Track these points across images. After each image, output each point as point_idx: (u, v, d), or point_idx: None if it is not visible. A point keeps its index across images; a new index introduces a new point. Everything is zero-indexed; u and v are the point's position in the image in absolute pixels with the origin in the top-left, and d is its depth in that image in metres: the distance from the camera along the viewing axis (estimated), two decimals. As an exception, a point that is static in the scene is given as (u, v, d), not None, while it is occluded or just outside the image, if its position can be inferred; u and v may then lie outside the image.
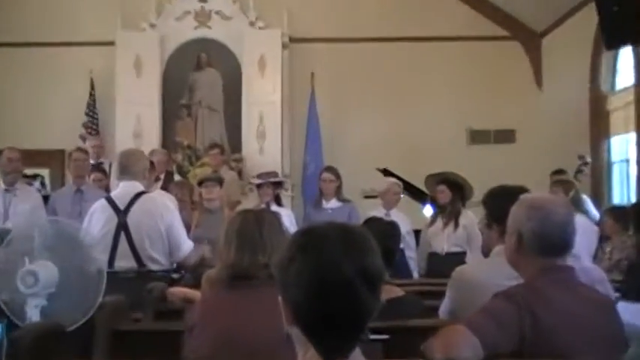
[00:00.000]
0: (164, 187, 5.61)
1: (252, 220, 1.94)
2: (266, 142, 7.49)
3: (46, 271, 2.44)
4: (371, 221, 2.72)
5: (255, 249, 1.88)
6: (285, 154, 7.57)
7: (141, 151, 3.87)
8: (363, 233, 1.21)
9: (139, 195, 3.39)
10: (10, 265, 2.50)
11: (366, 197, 6.87)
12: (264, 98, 7.47)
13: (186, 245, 3.47)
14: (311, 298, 1.14)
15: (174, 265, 3.60)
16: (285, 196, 7.37)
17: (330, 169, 5.47)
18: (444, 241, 4.84)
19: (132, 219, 3.33)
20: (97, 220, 3.38)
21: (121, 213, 3.35)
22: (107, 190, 5.48)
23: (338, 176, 5.32)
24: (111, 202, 3.41)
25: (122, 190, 3.47)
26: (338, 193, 5.29)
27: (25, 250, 2.49)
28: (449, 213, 4.87)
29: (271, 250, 1.87)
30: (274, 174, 5.45)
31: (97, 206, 3.46)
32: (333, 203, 5.28)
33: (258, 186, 5.28)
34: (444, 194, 4.88)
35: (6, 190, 4.70)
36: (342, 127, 7.76)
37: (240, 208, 6.42)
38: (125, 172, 3.46)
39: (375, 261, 1.18)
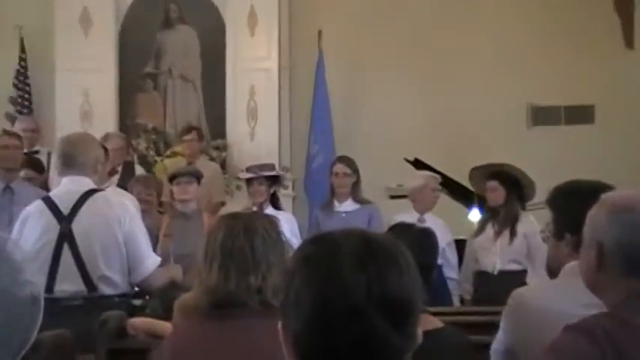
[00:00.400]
0: (122, 184, 5.64)
1: (242, 228, 1.94)
2: (258, 125, 7.51)
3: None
4: (399, 229, 2.71)
5: (245, 268, 1.89)
6: (284, 141, 7.59)
7: (91, 137, 3.86)
8: (390, 245, 1.21)
9: (88, 194, 3.39)
10: None
11: (393, 197, 6.88)
12: (255, 65, 7.48)
13: (151, 261, 3.49)
14: (311, 326, 1.14)
15: (136, 289, 3.61)
16: (285, 195, 7.38)
17: (344, 159, 5.48)
18: (496, 255, 4.85)
19: (79, 227, 3.33)
20: (32, 228, 3.39)
21: (65, 219, 3.35)
22: (45, 188, 5.50)
23: (355, 169, 5.33)
24: (50, 204, 3.41)
25: (66, 188, 3.46)
26: (355, 192, 5.31)
27: None
28: (503, 218, 4.88)
29: (266, 270, 1.88)
30: (270, 166, 5.46)
31: (32, 210, 3.46)
32: (348, 205, 5.30)
33: (248, 182, 5.29)
34: (497, 193, 4.88)
35: None
36: (360, 105, 7.76)
37: (223, 211, 6.47)
38: (70, 164, 3.46)
39: (404, 283, 1.17)
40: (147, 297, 3.78)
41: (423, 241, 2.58)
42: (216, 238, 1.95)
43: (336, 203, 5.34)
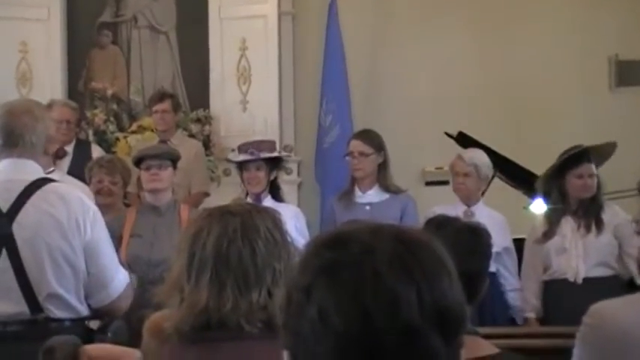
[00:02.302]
0: (74, 170, 5.66)
1: (239, 228, 1.93)
2: (252, 90, 7.52)
3: None
4: (439, 224, 2.72)
5: (245, 281, 1.89)
6: (286, 110, 7.60)
7: (40, 106, 3.80)
8: (432, 244, 1.23)
9: (35, 185, 3.35)
10: None
11: (430, 184, 6.89)
12: (247, 10, 7.49)
13: (118, 281, 3.48)
14: (344, 352, 1.16)
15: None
16: (288, 182, 7.39)
17: (362, 134, 5.48)
18: (578, 258, 4.85)
19: (22, 229, 3.29)
20: None
21: (3, 217, 3.31)
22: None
23: (380, 147, 5.34)
24: None
25: (5, 175, 3.40)
26: (382, 178, 5.32)
27: None
28: (584, 209, 4.88)
29: (272, 282, 1.88)
30: (269, 145, 5.43)
31: None
32: (373, 195, 5.32)
33: (242, 167, 5.30)
34: (592, 180, 4.92)
35: None
36: (386, 61, 7.74)
37: (207, 204, 6.48)
38: (12, 142, 3.40)
39: (455, 291, 1.20)
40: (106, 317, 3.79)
41: (469, 240, 2.58)
42: (205, 241, 1.93)
43: (357, 192, 5.35)
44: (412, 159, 7.00)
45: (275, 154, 5.37)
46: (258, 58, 7.51)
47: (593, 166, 4.92)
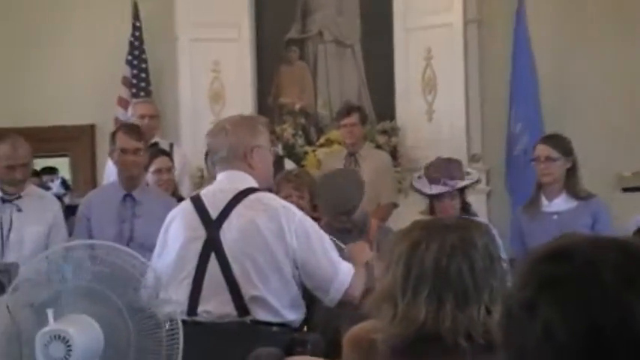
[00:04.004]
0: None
1: (458, 243, 1.90)
2: (438, 99, 7.47)
3: (84, 332, 2.58)
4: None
5: (464, 298, 1.85)
6: (474, 119, 7.51)
7: (258, 119, 3.96)
8: None
9: (243, 194, 3.52)
10: (23, 326, 2.67)
11: (627, 190, 6.63)
12: (432, 20, 7.45)
13: (342, 274, 3.55)
14: None
15: (300, 316, 3.67)
16: (476, 192, 7.29)
17: (549, 138, 5.31)
18: None
19: (228, 234, 3.47)
20: (175, 234, 3.58)
21: (212, 224, 3.49)
22: (174, 191, 5.74)
23: (568, 151, 5.17)
24: (199, 204, 3.57)
25: (219, 185, 3.64)
26: (570, 184, 5.15)
27: (46, 299, 2.64)
28: None
29: (489, 300, 1.84)
30: (457, 167, 5.13)
31: (178, 211, 3.68)
32: (560, 202, 5.15)
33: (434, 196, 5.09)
34: None
35: (4, 201, 5.08)
36: (578, 67, 7.52)
37: (396, 216, 6.45)
38: (226, 156, 3.61)
39: None
40: (304, 328, 3.83)
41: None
42: (423, 255, 1.91)
43: (543, 201, 5.19)
44: (607, 164, 6.76)
45: (469, 181, 5.07)
46: (443, 67, 7.45)
47: None
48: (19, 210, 5.01)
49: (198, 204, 3.57)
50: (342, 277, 3.53)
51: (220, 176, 3.64)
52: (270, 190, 3.98)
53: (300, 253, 3.46)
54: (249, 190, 3.54)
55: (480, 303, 1.87)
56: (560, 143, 5.19)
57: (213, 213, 3.50)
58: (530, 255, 1.26)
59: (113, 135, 5.30)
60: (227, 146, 3.61)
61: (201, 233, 3.48)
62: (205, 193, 3.66)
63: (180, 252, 3.48)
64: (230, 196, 3.51)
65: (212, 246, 3.46)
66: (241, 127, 3.68)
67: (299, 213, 3.57)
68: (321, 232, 3.61)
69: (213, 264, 3.44)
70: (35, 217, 5.03)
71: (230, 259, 3.43)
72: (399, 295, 1.91)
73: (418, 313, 1.87)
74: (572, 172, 5.17)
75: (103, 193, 5.45)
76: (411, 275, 1.90)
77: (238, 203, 3.49)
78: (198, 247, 3.47)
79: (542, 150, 5.18)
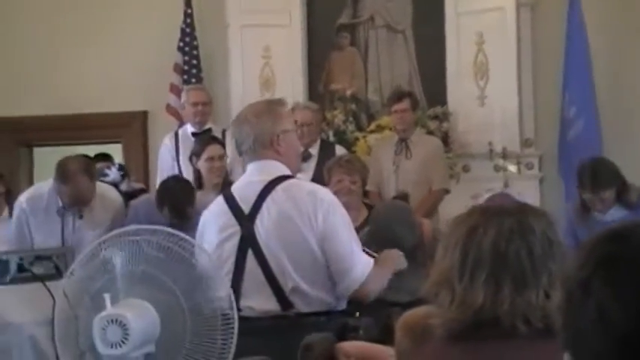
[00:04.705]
0: (319, 172, 5.75)
1: (515, 227, 1.88)
2: (490, 84, 7.42)
3: (140, 317, 2.60)
4: None
5: (522, 281, 1.84)
6: (526, 104, 7.45)
7: (277, 103, 3.80)
8: None
9: (272, 184, 3.46)
10: (79, 310, 2.70)
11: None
12: (484, 2, 7.39)
13: (361, 266, 3.50)
14: (626, 355, 1.12)
15: (343, 300, 3.66)
16: (528, 178, 7.23)
17: (603, 181, 5.23)
18: None
19: (262, 227, 3.43)
20: (211, 233, 3.53)
21: (246, 219, 3.45)
22: (225, 178, 5.77)
23: (617, 181, 5.19)
24: (231, 200, 3.52)
25: (248, 178, 3.56)
26: (622, 195, 5.13)
27: (102, 285, 2.67)
28: None
29: (547, 284, 1.82)
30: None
31: (211, 211, 3.62)
32: (613, 212, 5.14)
33: None
34: None
35: (65, 209, 5.16)
36: (633, 49, 7.40)
37: (447, 202, 6.42)
38: (253, 146, 3.53)
39: None
40: (357, 314, 3.82)
41: None
42: (480, 239, 1.90)
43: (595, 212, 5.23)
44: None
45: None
46: (495, 51, 7.39)
47: None
48: (81, 217, 5.07)
49: (230, 200, 3.52)
50: (361, 268, 3.47)
51: (250, 167, 3.57)
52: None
53: (324, 234, 3.40)
54: (278, 180, 3.47)
55: (539, 287, 1.85)
56: (610, 181, 5.22)
57: (246, 207, 3.45)
58: (593, 236, 1.25)
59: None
60: (252, 137, 3.52)
61: (237, 230, 3.45)
62: (236, 187, 3.61)
63: (218, 250, 3.43)
64: (260, 188, 3.45)
65: (248, 242, 3.42)
66: (264, 115, 3.56)
67: (328, 198, 3.51)
68: (350, 223, 3.54)
69: (250, 260, 3.42)
70: (96, 221, 5.11)
71: (266, 254, 3.40)
72: (456, 279, 1.89)
73: (476, 297, 1.85)
74: (623, 187, 5.19)
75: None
76: (469, 259, 1.89)
77: (268, 195, 3.43)
78: (234, 243, 3.44)
79: (603, 195, 5.19)
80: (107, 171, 6.23)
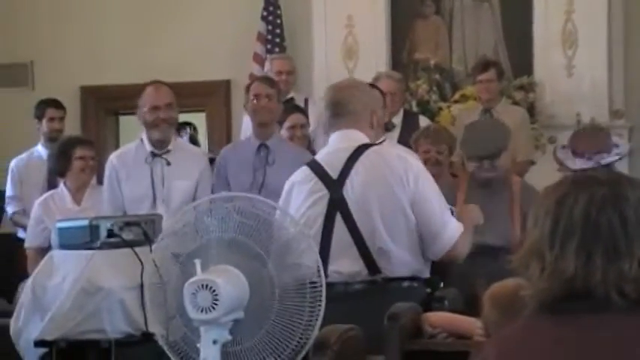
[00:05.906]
0: (402, 141, 5.72)
1: (608, 196, 1.84)
2: (579, 53, 7.30)
3: (230, 283, 2.62)
4: None
5: (615, 251, 1.79)
6: (616, 74, 7.33)
7: (364, 83, 3.98)
8: None
9: (359, 151, 3.53)
10: (168, 276, 2.74)
11: None
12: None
13: (450, 229, 3.55)
14: None
15: (427, 265, 3.66)
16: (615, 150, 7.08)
17: None
18: None
19: (352, 192, 3.49)
20: (298, 199, 3.59)
21: (334, 184, 3.50)
22: (308, 147, 5.76)
23: None
24: (317, 168, 3.59)
25: (334, 146, 3.65)
26: None
27: (192, 251, 2.70)
28: None
29: None
30: (601, 140, 4.86)
31: (297, 178, 3.67)
32: None
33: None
34: None
35: (154, 155, 5.14)
36: None
37: (533, 173, 6.33)
38: (339, 113, 3.64)
39: None
40: (441, 284, 3.82)
41: None
42: (571, 207, 1.85)
43: None
44: None
45: (613, 157, 4.81)
46: (585, 20, 7.26)
47: None
48: (169, 164, 5.09)
49: (316, 168, 3.58)
50: (451, 232, 3.54)
51: (334, 136, 3.64)
52: None
53: (415, 197, 3.47)
54: (365, 146, 3.55)
55: (633, 257, 1.79)
56: None
57: (333, 173, 3.52)
58: None
59: (248, 87, 5.37)
60: (361, 101, 3.64)
61: (324, 194, 3.51)
62: (321, 156, 3.69)
63: (304, 217, 3.46)
64: (347, 154, 3.52)
65: (337, 206, 3.48)
66: (371, 90, 3.79)
67: (417, 163, 3.63)
68: (438, 188, 3.61)
69: (339, 224, 3.47)
70: (183, 171, 5.07)
71: (356, 217, 3.45)
72: (546, 249, 1.85)
73: (567, 266, 1.81)
74: None
75: (238, 146, 5.57)
76: (559, 228, 1.84)
77: (357, 160, 3.50)
78: (322, 208, 3.49)
79: None
80: (178, 139, 6.29)
